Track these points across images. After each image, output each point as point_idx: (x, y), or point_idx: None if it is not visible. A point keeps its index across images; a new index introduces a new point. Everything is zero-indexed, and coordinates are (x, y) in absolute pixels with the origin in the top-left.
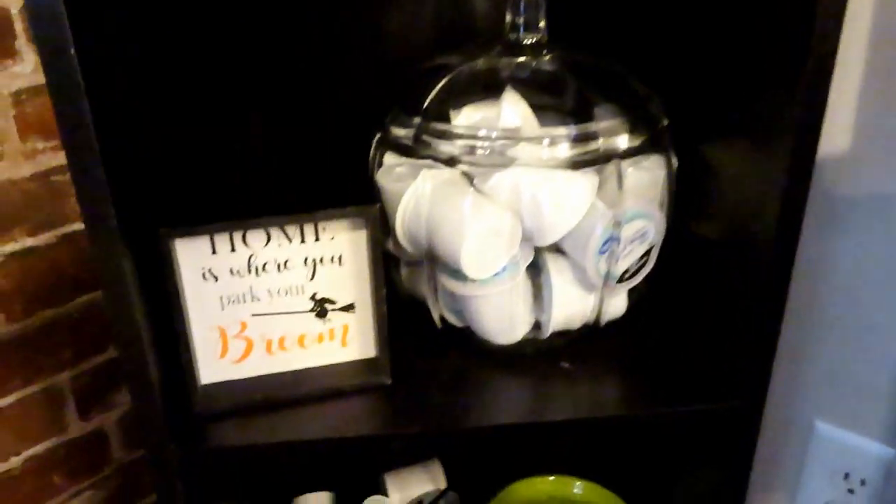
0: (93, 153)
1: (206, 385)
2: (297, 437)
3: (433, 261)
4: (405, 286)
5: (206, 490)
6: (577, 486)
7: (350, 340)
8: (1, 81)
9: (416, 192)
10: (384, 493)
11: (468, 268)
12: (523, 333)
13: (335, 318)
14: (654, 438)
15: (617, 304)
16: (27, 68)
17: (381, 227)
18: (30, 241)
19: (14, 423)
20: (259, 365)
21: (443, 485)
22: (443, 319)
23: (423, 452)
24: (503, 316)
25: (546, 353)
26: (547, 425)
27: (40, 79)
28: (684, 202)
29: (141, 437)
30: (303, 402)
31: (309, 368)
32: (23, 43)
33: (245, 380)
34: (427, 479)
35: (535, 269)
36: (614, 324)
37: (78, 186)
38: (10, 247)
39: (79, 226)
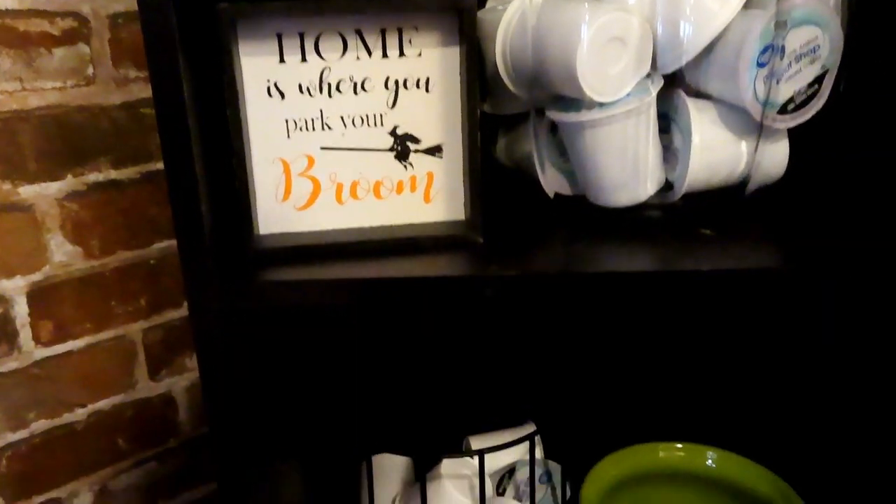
0: None
1: (263, 235)
2: (365, 274)
3: (540, 100)
4: (504, 158)
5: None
6: (711, 457)
7: (435, 195)
8: (99, 2)
9: (522, 4)
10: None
11: (584, 80)
12: (651, 191)
13: (418, 164)
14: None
15: (776, 155)
16: None
17: (477, 67)
18: (113, 174)
19: (82, 370)
20: (326, 216)
21: (539, 452)
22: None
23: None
24: (626, 158)
25: (679, 220)
26: (680, 277)
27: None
28: (867, 28)
29: (184, 276)
30: (375, 254)
31: (384, 226)
32: None
33: (309, 233)
34: (520, 445)
35: (666, 119)
36: (770, 189)
37: None
38: (94, 177)
39: (162, 165)
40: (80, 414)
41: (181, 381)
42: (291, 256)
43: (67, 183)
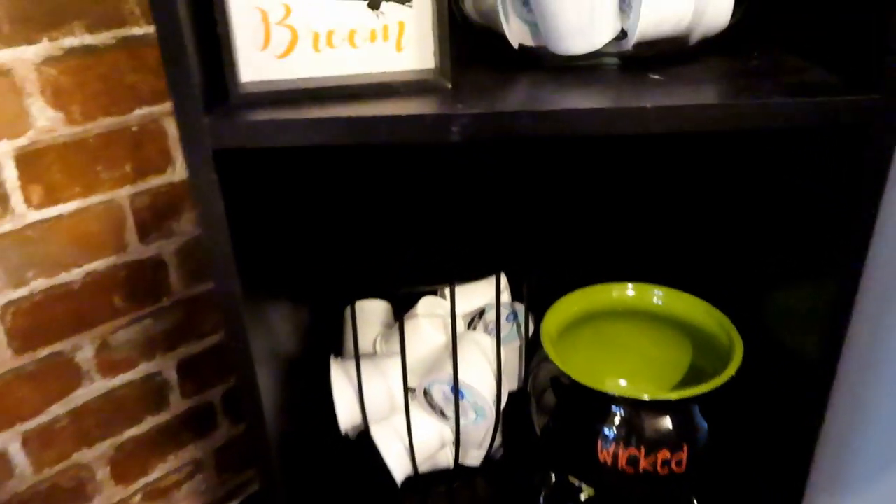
0: None
1: (246, 83)
2: (341, 114)
3: None
4: (472, 12)
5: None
6: (657, 295)
7: (406, 44)
8: None
9: None
10: None
11: None
12: (606, 39)
13: (390, 13)
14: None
15: (719, 6)
16: None
17: None
18: (88, 39)
19: (74, 232)
20: (305, 64)
21: (506, 296)
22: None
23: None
24: (583, 5)
25: (631, 67)
26: (634, 113)
27: None
28: None
29: (177, 122)
30: (352, 98)
31: (359, 74)
32: None
33: (289, 80)
34: (490, 290)
35: None
36: (715, 41)
37: None
38: (70, 41)
39: (138, 30)
40: (75, 273)
41: (170, 244)
42: (273, 102)
43: (44, 47)
